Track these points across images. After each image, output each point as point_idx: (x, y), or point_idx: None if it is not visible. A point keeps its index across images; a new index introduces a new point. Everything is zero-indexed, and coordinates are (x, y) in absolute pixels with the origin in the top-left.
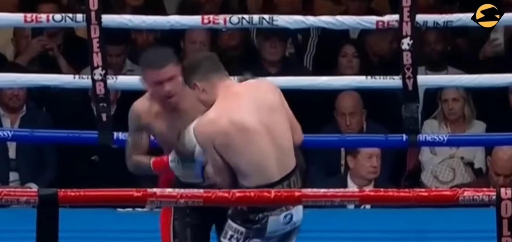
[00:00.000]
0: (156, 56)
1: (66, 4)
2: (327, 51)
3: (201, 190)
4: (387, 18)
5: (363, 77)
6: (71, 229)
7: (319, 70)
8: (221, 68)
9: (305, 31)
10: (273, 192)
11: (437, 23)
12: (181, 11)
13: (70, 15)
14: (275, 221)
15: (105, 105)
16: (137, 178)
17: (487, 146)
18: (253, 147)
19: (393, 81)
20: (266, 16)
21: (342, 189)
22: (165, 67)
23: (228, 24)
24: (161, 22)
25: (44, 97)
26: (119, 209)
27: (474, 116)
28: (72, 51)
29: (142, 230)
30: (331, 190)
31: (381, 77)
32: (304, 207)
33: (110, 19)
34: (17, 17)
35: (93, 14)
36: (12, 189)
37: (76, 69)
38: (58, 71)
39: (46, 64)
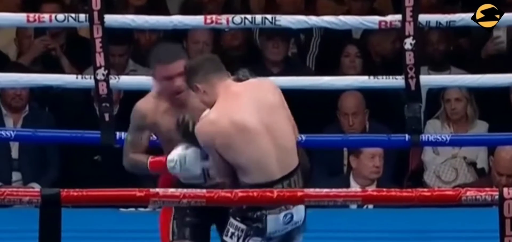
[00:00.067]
0: (166, 52)
1: (68, 4)
2: (330, 51)
3: (204, 190)
4: (389, 18)
5: (365, 77)
6: (73, 229)
7: (321, 70)
8: (222, 69)
9: (308, 31)
10: (275, 192)
11: (440, 23)
12: (184, 11)
13: (73, 15)
14: (275, 220)
15: (107, 105)
16: (139, 178)
17: (489, 146)
18: (253, 146)
19: (396, 81)
20: (269, 16)
21: (344, 189)
22: (175, 62)
23: (231, 24)
24: (164, 22)
25: (47, 97)
26: (121, 209)
27: (477, 116)
28: (75, 51)
29: (145, 230)
30: (333, 190)
31: (384, 77)
32: (307, 207)
33: (112, 19)
34: (19, 17)
35: (95, 14)
36: (15, 189)
37: (79, 69)
38: (61, 71)
39: (48, 64)
